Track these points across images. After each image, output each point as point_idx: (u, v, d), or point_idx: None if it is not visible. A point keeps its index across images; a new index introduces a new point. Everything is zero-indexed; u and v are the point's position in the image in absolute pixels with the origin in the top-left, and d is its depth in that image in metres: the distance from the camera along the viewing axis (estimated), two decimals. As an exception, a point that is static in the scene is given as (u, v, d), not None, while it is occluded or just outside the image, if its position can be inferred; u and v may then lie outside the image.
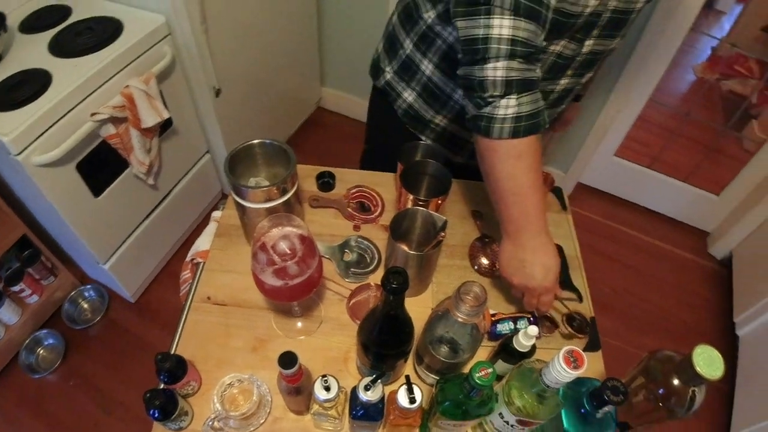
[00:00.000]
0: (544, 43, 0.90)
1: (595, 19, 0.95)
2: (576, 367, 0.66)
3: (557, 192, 1.35)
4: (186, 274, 1.18)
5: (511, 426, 0.80)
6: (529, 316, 1.03)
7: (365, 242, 1.18)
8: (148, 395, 0.82)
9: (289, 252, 0.87)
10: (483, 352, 1.00)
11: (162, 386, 0.88)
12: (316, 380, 0.78)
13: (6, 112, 1.42)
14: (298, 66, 2.66)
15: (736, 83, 3.49)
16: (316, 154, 2.86)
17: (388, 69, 1.24)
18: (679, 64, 3.70)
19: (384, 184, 1.31)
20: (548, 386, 0.70)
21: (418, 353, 0.95)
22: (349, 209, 1.24)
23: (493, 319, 1.02)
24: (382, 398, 0.81)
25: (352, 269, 1.13)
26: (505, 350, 0.89)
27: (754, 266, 2.34)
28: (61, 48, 1.61)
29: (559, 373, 0.67)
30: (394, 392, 0.79)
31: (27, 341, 2.00)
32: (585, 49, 1.02)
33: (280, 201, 1.01)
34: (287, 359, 0.75)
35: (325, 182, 1.29)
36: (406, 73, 1.20)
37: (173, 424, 0.86)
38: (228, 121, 2.18)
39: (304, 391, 0.84)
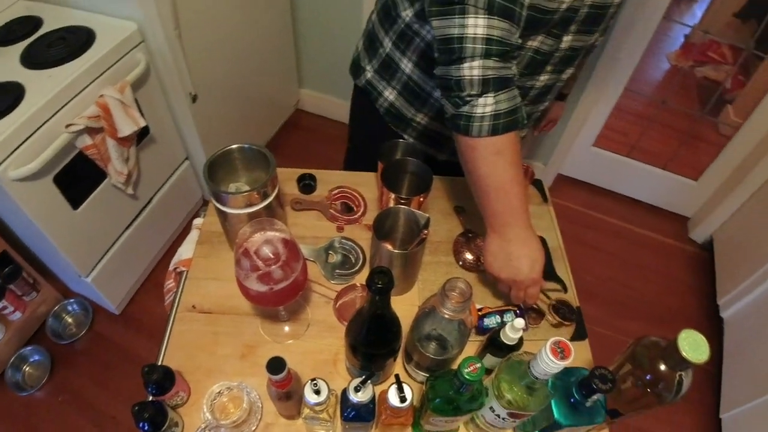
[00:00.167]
0: (519, 41, 0.90)
1: (572, 14, 0.96)
2: (563, 358, 0.66)
3: (538, 184, 1.36)
4: (170, 283, 1.16)
5: (503, 419, 0.80)
6: (515, 308, 1.04)
7: (349, 243, 1.18)
8: (136, 408, 0.81)
9: (272, 256, 0.86)
10: (471, 347, 1.00)
11: (150, 398, 0.87)
12: (305, 384, 0.78)
13: (-21, 127, 1.39)
14: (274, 68, 2.64)
15: (710, 69, 3.54)
16: (297, 156, 2.85)
17: (368, 68, 1.24)
18: (653, 52, 3.74)
19: (365, 184, 1.31)
20: (537, 378, 0.71)
21: (406, 351, 0.95)
22: (332, 210, 1.24)
23: (479, 313, 1.03)
24: (373, 398, 0.80)
25: (337, 271, 1.13)
26: (493, 344, 0.89)
27: (735, 249, 2.38)
28: (33, 60, 1.58)
29: (547, 364, 0.67)
30: (385, 392, 0.79)
31: (12, 359, 1.97)
32: (563, 45, 1.03)
33: (262, 205, 1.00)
34: (275, 365, 0.75)
35: (307, 184, 1.28)
36: (387, 71, 1.20)
37: (163, 435, 0.86)
38: (206, 127, 2.16)
39: (294, 396, 0.84)
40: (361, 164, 1.35)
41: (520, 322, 0.82)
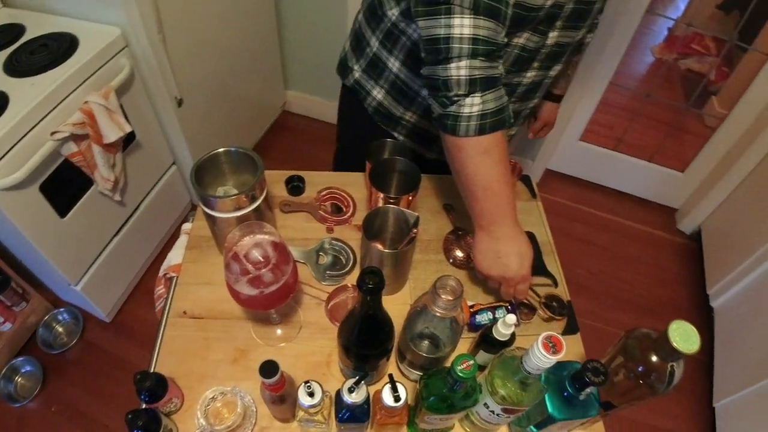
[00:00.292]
0: (505, 40, 0.91)
1: (557, 10, 0.96)
2: (555, 352, 0.67)
3: (526, 180, 1.37)
4: (160, 289, 1.16)
5: (497, 415, 0.81)
6: (507, 305, 1.04)
7: (339, 244, 1.17)
8: (130, 416, 0.80)
9: (262, 260, 0.86)
10: (464, 344, 1.00)
11: (144, 406, 0.87)
12: (299, 387, 0.78)
13: (-37, 137, 1.38)
14: (260, 70, 2.63)
15: (694, 62, 3.57)
16: (285, 158, 2.84)
17: (356, 67, 1.24)
18: (637, 46, 3.76)
19: (354, 184, 1.31)
20: (530, 373, 0.71)
21: (399, 351, 0.95)
22: (321, 212, 1.24)
23: (471, 310, 1.03)
24: (367, 399, 0.80)
25: (328, 272, 1.13)
26: (486, 340, 0.89)
27: (723, 238, 2.40)
28: (16, 68, 1.56)
29: (539, 359, 0.67)
30: (379, 392, 0.79)
31: (4, 370, 1.94)
32: (549, 41, 1.03)
33: (250, 209, 1.00)
34: (268, 368, 0.75)
35: (295, 186, 1.28)
36: (374, 70, 1.20)
37: (157, 442, 0.85)
38: (192, 131, 2.15)
39: (288, 399, 0.84)
40: (350, 164, 1.35)
41: (511, 318, 0.83)
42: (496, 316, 1.02)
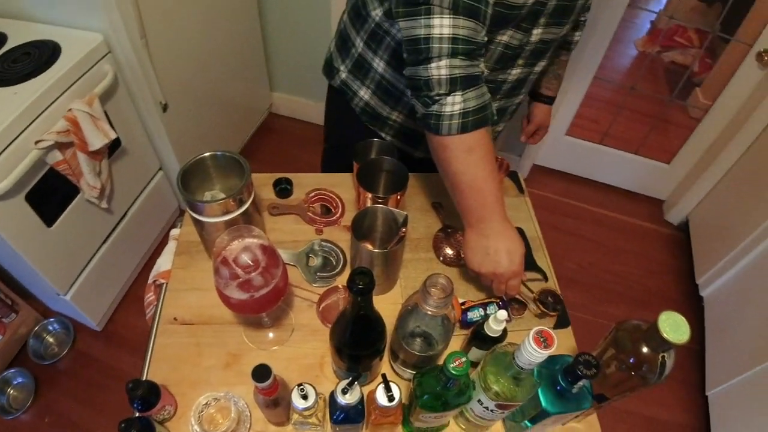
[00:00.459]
0: (486, 39, 0.91)
1: (540, 7, 0.97)
2: (546, 347, 0.67)
3: (513, 176, 1.37)
4: (150, 296, 1.15)
5: (491, 411, 0.81)
6: (498, 301, 1.04)
7: (329, 245, 1.17)
8: (123, 425, 0.80)
9: (251, 264, 0.86)
10: (456, 342, 1.00)
11: (137, 414, 0.86)
12: (292, 390, 0.77)
13: (-55, 149, 1.36)
14: (245, 73, 2.62)
15: (677, 54, 3.60)
16: (272, 160, 2.84)
17: (342, 68, 1.24)
18: (621, 40, 3.79)
19: (342, 185, 1.31)
20: (522, 368, 0.71)
21: (392, 350, 0.95)
22: (310, 213, 1.23)
23: (462, 307, 1.03)
24: (361, 399, 0.80)
25: (318, 274, 1.12)
26: (477, 337, 0.89)
27: (711, 228, 2.42)
28: (-3, 77, 1.55)
29: (531, 354, 0.68)
30: (373, 392, 0.79)
31: (-5, 382, 1.93)
32: (533, 38, 1.03)
33: (239, 212, 0.99)
34: (261, 372, 0.74)
35: (283, 188, 1.27)
36: (360, 71, 1.20)
37: (151, 451, 0.85)
38: (178, 136, 2.14)
39: (282, 402, 0.84)
40: (338, 164, 1.35)
41: (503, 314, 0.83)
42: (488, 312, 1.03)
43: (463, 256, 1.02)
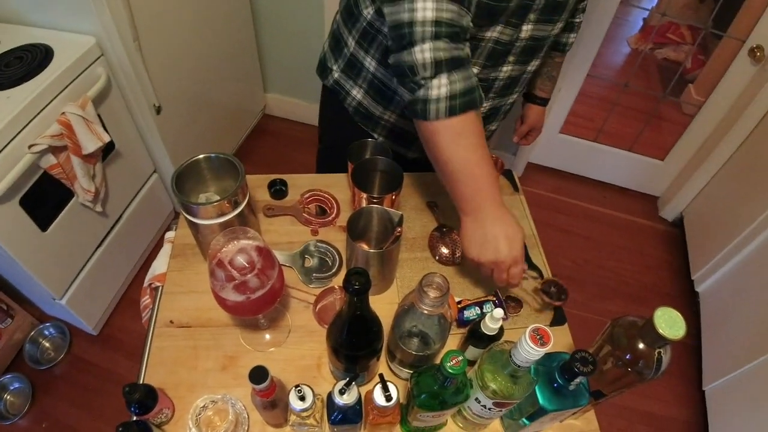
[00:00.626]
0: (471, 24, 0.91)
1: (529, 2, 0.96)
2: (543, 344, 0.67)
3: (508, 174, 1.37)
4: (146, 299, 1.15)
5: (489, 409, 0.81)
6: (494, 299, 1.04)
7: (324, 246, 1.17)
8: (120, 429, 0.80)
9: (247, 265, 0.85)
10: (453, 340, 1.00)
11: (134, 418, 0.86)
12: (290, 391, 0.77)
13: (-63, 155, 1.35)
14: (238, 75, 2.62)
15: (670, 50, 3.62)
16: (267, 162, 2.83)
17: (335, 68, 1.24)
18: (613, 37, 3.81)
19: (337, 185, 1.30)
20: (519, 366, 0.71)
21: (389, 350, 0.95)
22: (305, 214, 1.23)
23: (459, 306, 1.03)
24: (359, 400, 0.80)
25: (314, 274, 1.12)
26: (474, 336, 0.90)
27: (705, 224, 2.43)
28: (-11, 81, 1.55)
29: (528, 351, 0.68)
30: (370, 392, 0.79)
31: (-9, 389, 1.93)
32: (523, 35, 1.03)
33: (234, 214, 0.99)
34: (258, 374, 0.74)
35: (278, 190, 1.27)
36: (352, 70, 1.20)
37: (149, 454, 0.84)
38: (172, 138, 2.13)
39: (279, 404, 0.83)
40: (333, 164, 1.35)
41: (499, 312, 0.83)
42: (484, 310, 1.03)
43: (461, 246, 1.00)
